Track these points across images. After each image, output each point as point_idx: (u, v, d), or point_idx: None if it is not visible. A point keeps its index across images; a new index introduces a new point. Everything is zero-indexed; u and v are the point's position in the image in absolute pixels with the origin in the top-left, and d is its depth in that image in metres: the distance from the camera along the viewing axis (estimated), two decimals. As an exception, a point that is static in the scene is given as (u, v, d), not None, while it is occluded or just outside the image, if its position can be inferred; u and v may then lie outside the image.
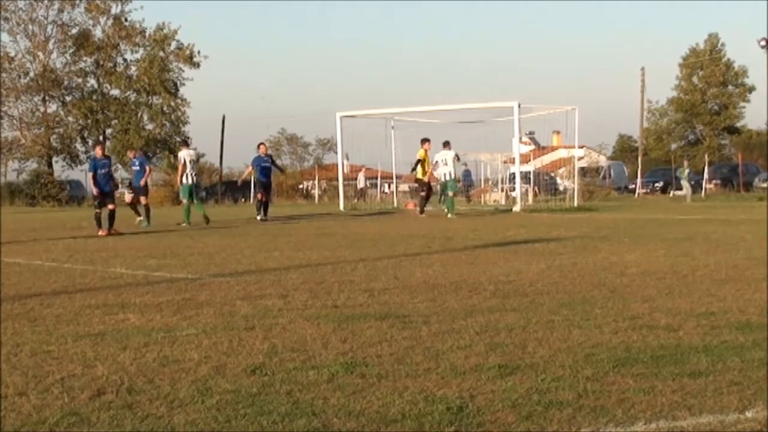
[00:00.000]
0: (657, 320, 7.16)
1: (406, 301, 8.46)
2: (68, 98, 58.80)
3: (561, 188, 40.61)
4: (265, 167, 25.29)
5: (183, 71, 59.18)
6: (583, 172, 43.60)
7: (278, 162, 30.40)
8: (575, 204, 32.81)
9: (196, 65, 58.76)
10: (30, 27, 57.33)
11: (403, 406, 4.78)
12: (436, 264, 11.89)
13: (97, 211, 20.01)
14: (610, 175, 53.47)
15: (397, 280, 10.11)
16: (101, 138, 55.80)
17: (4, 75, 56.07)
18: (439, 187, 28.29)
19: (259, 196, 26.21)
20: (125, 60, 59.42)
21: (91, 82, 59.40)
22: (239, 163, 58.83)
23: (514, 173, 35.46)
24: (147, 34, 58.42)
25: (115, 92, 59.44)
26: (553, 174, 46.59)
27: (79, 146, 59.13)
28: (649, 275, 10.16)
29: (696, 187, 48.87)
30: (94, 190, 20.10)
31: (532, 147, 48.59)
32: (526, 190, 36.91)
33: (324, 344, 6.41)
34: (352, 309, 8.00)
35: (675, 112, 74.21)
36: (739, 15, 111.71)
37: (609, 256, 12.51)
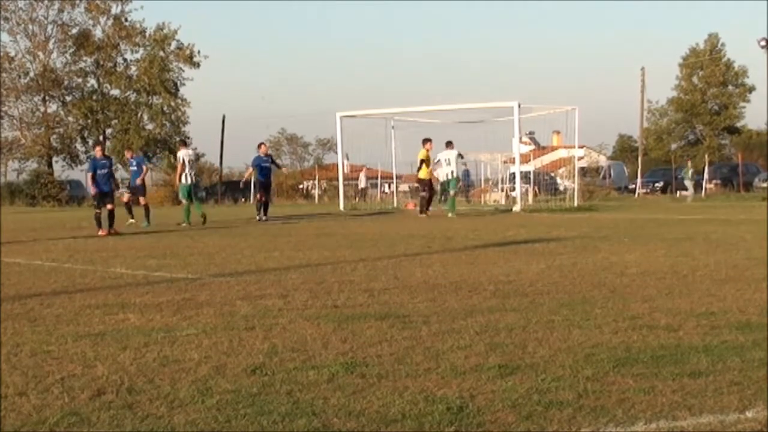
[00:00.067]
0: (657, 320, 7.16)
1: (406, 301, 8.46)
2: (68, 98, 58.82)
3: (561, 188, 40.59)
4: (265, 167, 25.29)
5: (183, 71, 59.26)
6: (583, 172, 43.58)
7: (278, 161, 30.36)
8: (575, 204, 32.81)
9: (196, 65, 58.80)
10: (30, 27, 57.38)
11: (403, 406, 4.78)
12: (436, 264, 11.89)
13: (97, 211, 20.03)
14: (610, 175, 53.45)
15: (397, 280, 10.11)
16: (101, 138, 55.82)
17: (4, 75, 56.08)
18: (440, 186, 28.34)
19: (258, 196, 26.21)
20: (125, 60, 59.50)
21: (91, 82, 59.47)
22: (239, 163, 59.00)
23: (514, 173, 35.46)
24: (147, 34, 58.43)
25: (115, 92, 59.49)
26: (553, 174, 46.58)
27: (79, 146, 59.18)
28: (649, 275, 10.16)
29: (696, 187, 48.89)
30: (92, 190, 20.18)
31: (532, 147, 48.59)
32: (526, 190, 36.91)
33: (324, 344, 6.41)
34: (352, 309, 8.00)
35: (675, 112, 74.20)
36: (739, 15, 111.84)
37: (609, 256, 12.51)
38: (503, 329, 6.87)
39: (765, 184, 50.06)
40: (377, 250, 14.31)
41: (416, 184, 30.86)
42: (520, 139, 32.78)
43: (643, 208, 32.28)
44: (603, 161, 58.36)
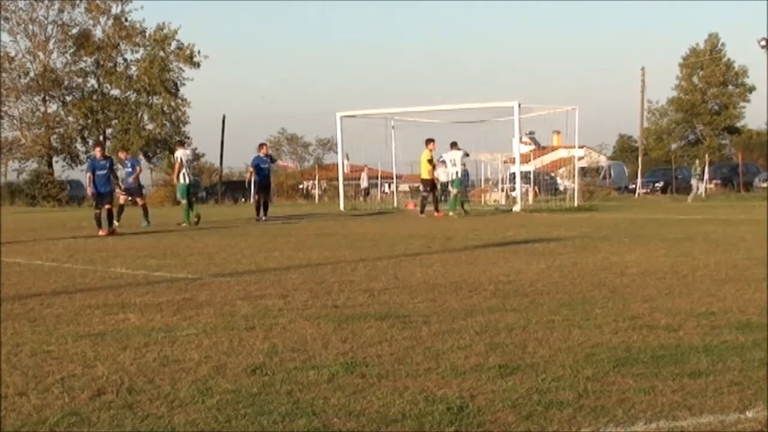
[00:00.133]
0: (657, 320, 7.16)
1: (406, 301, 8.46)
2: (68, 98, 58.81)
3: (561, 188, 40.60)
4: (264, 168, 25.31)
5: (183, 71, 59.27)
6: (583, 172, 43.58)
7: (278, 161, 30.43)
8: (575, 204, 32.81)
9: (196, 65, 58.80)
10: (30, 27, 57.38)
11: (403, 406, 4.79)
12: (436, 264, 11.89)
13: (97, 211, 20.03)
14: (610, 175, 53.42)
15: (397, 280, 10.11)
16: (101, 138, 55.81)
17: (4, 75, 56.08)
18: (440, 186, 28.40)
19: (256, 197, 26.22)
20: (125, 60, 59.50)
21: (92, 82, 59.47)
22: (239, 163, 59.06)
23: (514, 173, 35.48)
24: (147, 34, 58.44)
25: (116, 92, 59.48)
26: (553, 174, 46.59)
27: (79, 146, 59.17)
28: (649, 275, 10.16)
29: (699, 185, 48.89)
30: (89, 190, 20.24)
31: (532, 147, 48.57)
32: (526, 190, 36.91)
33: (324, 344, 6.41)
34: (353, 309, 8.00)
35: (675, 112, 74.19)
36: (739, 15, 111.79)
37: (609, 256, 12.51)
38: (503, 329, 6.87)
39: (765, 184, 50.06)
40: (377, 250, 14.31)
41: (416, 184, 30.85)
42: (520, 139, 32.79)
43: (643, 208, 32.28)
44: (603, 161, 58.35)
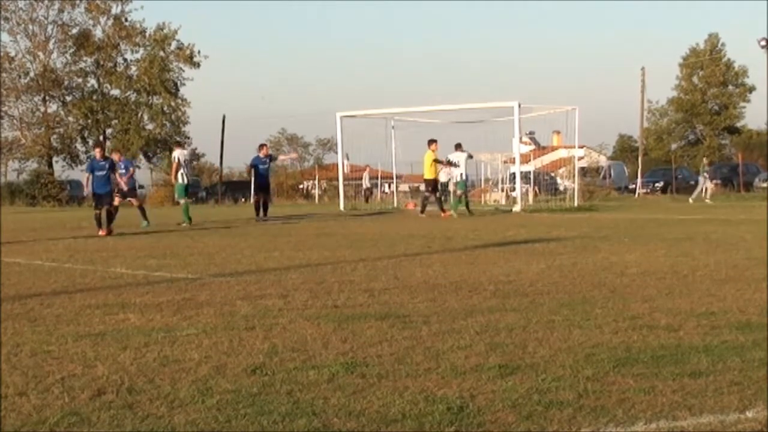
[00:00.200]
0: (657, 320, 7.16)
1: (406, 301, 8.46)
2: (68, 98, 58.83)
3: (561, 188, 40.60)
4: (263, 168, 25.32)
5: (183, 71, 59.29)
6: (584, 172, 43.56)
7: (276, 159, 30.28)
8: (575, 204, 32.82)
9: (196, 65, 58.82)
10: (30, 27, 57.39)
11: (403, 406, 4.79)
12: (436, 264, 11.89)
13: (97, 211, 20.04)
14: (610, 175, 53.42)
15: (397, 280, 10.11)
16: (101, 138, 55.82)
17: (4, 75, 56.09)
18: (446, 186, 28.44)
19: (255, 197, 26.22)
20: (125, 60, 59.52)
21: (92, 82, 59.48)
22: (239, 163, 59.03)
23: (514, 173, 35.48)
24: (147, 34, 58.45)
25: (116, 92, 59.50)
26: (553, 174, 46.59)
27: (79, 146, 59.18)
28: (649, 275, 10.16)
29: (696, 187, 48.83)
30: (86, 191, 20.28)
31: (533, 147, 48.60)
32: (527, 190, 36.92)
33: (324, 344, 6.41)
34: (353, 309, 8.00)
35: (675, 112, 74.20)
36: (739, 15, 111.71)
37: (609, 256, 12.51)
38: (503, 329, 6.87)
39: (765, 184, 50.06)
40: (377, 250, 14.31)
41: (417, 184, 30.86)
42: (520, 139, 32.80)
43: (643, 208, 32.29)
44: (603, 161, 58.33)
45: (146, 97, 59.04)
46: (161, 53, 58.26)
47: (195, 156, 62.77)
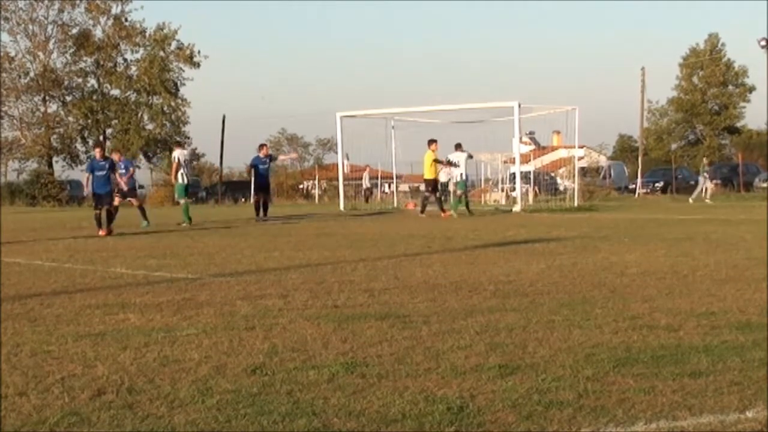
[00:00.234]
0: (657, 320, 7.16)
1: (406, 301, 8.46)
2: (68, 98, 58.83)
3: (561, 188, 40.60)
4: (263, 169, 25.32)
5: (183, 71, 59.29)
6: (583, 172, 43.56)
7: (276, 160, 30.24)
8: (575, 204, 32.82)
9: (196, 65, 58.81)
10: (30, 27, 57.39)
11: (403, 406, 4.79)
12: (436, 264, 11.89)
13: (97, 211, 20.04)
14: (610, 175, 53.42)
15: (398, 280, 10.11)
16: (101, 138, 55.81)
17: (4, 75, 56.08)
18: (446, 186, 28.45)
19: (255, 197, 26.22)
20: (125, 60, 59.52)
21: (92, 82, 59.48)
22: (239, 163, 59.04)
23: (514, 173, 35.48)
24: (147, 34, 58.45)
25: (116, 92, 59.50)
26: (553, 174, 46.59)
27: (79, 146, 59.18)
28: (649, 275, 10.16)
29: (696, 187, 48.81)
30: (86, 191, 20.30)
31: (533, 147, 48.61)
32: (527, 190, 36.91)
33: (324, 344, 6.41)
34: (353, 309, 8.00)
35: (675, 112, 74.21)
36: (739, 15, 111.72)
37: (609, 256, 12.51)
38: (503, 329, 6.87)
39: (765, 184, 50.06)
40: (377, 250, 14.31)
41: (417, 184, 30.85)
42: (520, 139, 32.80)
43: (643, 208, 32.29)
44: (603, 161, 58.33)
45: (146, 97, 59.04)
46: (161, 53, 58.26)
47: (195, 156, 62.79)
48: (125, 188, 23.00)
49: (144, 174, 59.92)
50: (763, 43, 45.84)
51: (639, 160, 58.73)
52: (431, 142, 26.90)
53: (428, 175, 26.63)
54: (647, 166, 59.31)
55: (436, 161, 26.58)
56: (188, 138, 59.48)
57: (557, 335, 6.59)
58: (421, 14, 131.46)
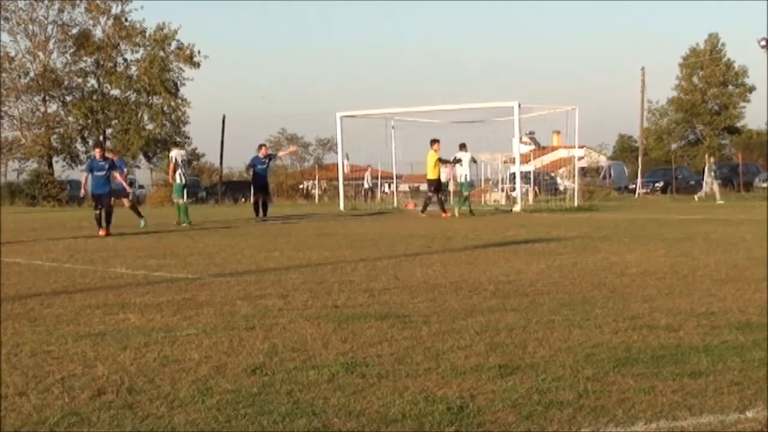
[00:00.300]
0: (657, 320, 7.16)
1: (406, 301, 8.46)
2: (68, 98, 58.82)
3: (561, 188, 40.61)
4: (262, 169, 25.32)
5: (183, 71, 59.27)
6: (583, 172, 43.57)
7: (275, 158, 30.23)
8: (575, 204, 32.82)
9: (196, 65, 58.81)
10: (30, 27, 57.37)
11: (403, 406, 4.79)
12: (437, 264, 11.89)
13: (96, 211, 20.04)
14: (610, 175, 53.43)
15: (398, 280, 10.11)
16: (101, 138, 55.80)
17: (4, 75, 56.08)
18: (450, 187, 28.47)
19: (254, 197, 26.24)
20: (125, 60, 59.51)
21: (92, 82, 59.47)
22: (239, 163, 58.93)
23: (514, 173, 35.49)
24: (147, 34, 58.45)
25: (116, 92, 59.49)
26: (553, 174, 46.60)
27: (79, 146, 59.17)
28: (649, 275, 10.16)
29: (696, 187, 48.85)
30: (82, 191, 20.31)
31: (533, 147, 48.61)
32: (527, 190, 36.92)
33: (324, 344, 6.41)
34: (353, 309, 8.00)
35: (675, 112, 74.22)
36: (739, 15, 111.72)
37: (609, 256, 12.51)
38: (503, 329, 6.87)
39: (765, 184, 50.07)
40: (377, 250, 14.31)
41: (417, 185, 30.84)
42: (520, 139, 32.81)
43: (643, 208, 32.29)
44: (603, 161, 58.36)
45: (146, 97, 59.03)
46: (161, 53, 58.25)
47: (195, 156, 62.83)
48: (128, 189, 23.08)
49: (144, 174, 60.06)
50: (763, 43, 45.86)
51: (639, 160, 58.75)
52: (434, 141, 26.86)
53: (431, 175, 26.59)
54: (647, 166, 59.33)
55: (440, 161, 26.55)
56: (188, 138, 59.61)
57: (557, 335, 6.59)
58: (421, 14, 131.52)
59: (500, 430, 4.40)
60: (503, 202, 37.41)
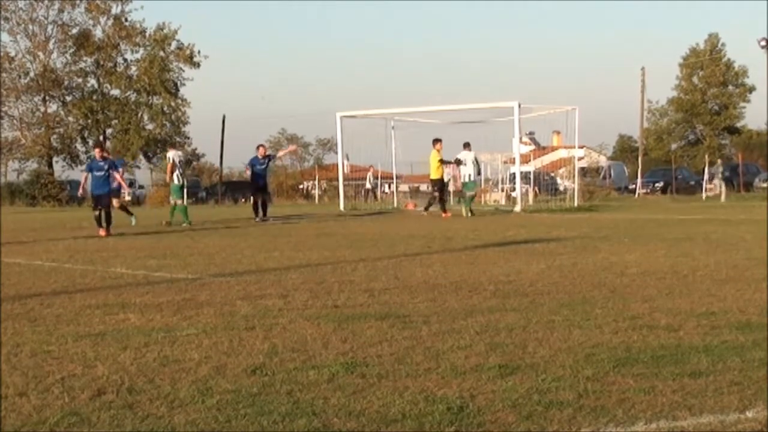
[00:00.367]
0: (657, 320, 7.17)
1: (406, 301, 8.46)
2: (68, 98, 58.80)
3: (561, 188, 40.60)
4: (260, 169, 25.32)
5: (183, 71, 59.24)
6: (584, 172, 43.56)
7: (275, 159, 30.23)
8: (575, 204, 32.82)
9: (197, 65, 58.79)
10: (30, 27, 57.34)
11: (403, 406, 4.79)
12: (437, 264, 11.89)
13: (96, 211, 20.04)
14: (610, 176, 53.43)
15: (398, 280, 10.11)
16: (101, 138, 55.79)
17: (4, 75, 56.07)
18: (450, 187, 28.49)
19: (253, 197, 26.24)
20: (125, 60, 59.48)
21: (92, 82, 59.44)
22: (239, 163, 58.90)
23: (514, 173, 35.48)
24: (147, 34, 58.44)
25: (116, 92, 59.48)
26: (553, 174, 46.59)
27: (79, 146, 59.14)
28: (649, 275, 10.16)
29: (697, 187, 48.91)
30: (80, 191, 20.34)
31: (533, 147, 48.60)
32: (527, 191, 36.91)
33: (324, 344, 6.41)
34: (353, 309, 8.00)
35: (675, 112, 74.23)
36: (739, 15, 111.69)
37: (609, 257, 12.51)
38: (503, 329, 6.87)
39: (765, 184, 50.09)
40: (377, 250, 14.31)
41: (416, 185, 30.85)
42: (520, 139, 32.80)
43: (643, 209, 32.29)
44: (603, 161, 58.35)
45: (146, 97, 59.02)
46: (161, 53, 58.24)
47: (195, 156, 62.82)
48: (127, 189, 23.08)
49: (144, 174, 60.04)
50: (763, 43, 45.87)
51: (639, 160, 58.78)
52: (436, 141, 26.83)
53: (434, 175, 26.56)
54: (647, 166, 59.35)
55: (442, 162, 26.51)
56: (188, 138, 59.60)
57: (557, 335, 6.59)
58: (421, 14, 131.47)
59: (500, 430, 4.40)
60: (503, 202, 37.40)
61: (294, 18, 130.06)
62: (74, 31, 58.10)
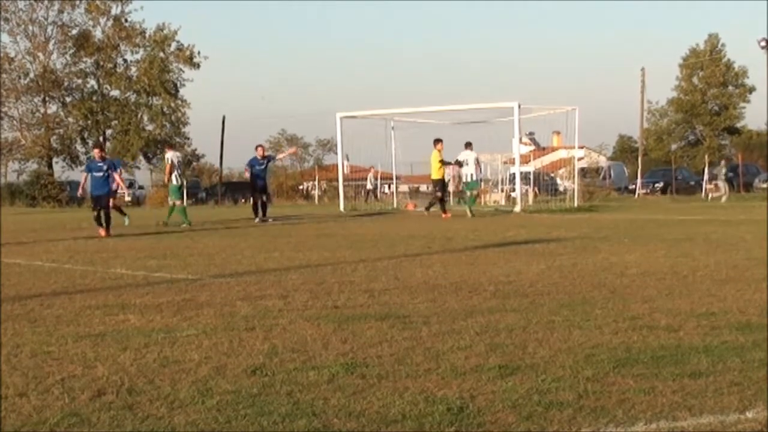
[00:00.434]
0: (657, 321, 7.17)
1: (406, 301, 8.46)
2: (68, 99, 58.77)
3: (561, 189, 40.59)
4: (259, 169, 25.31)
5: (183, 72, 59.20)
6: (583, 172, 43.56)
7: (275, 160, 30.18)
8: (575, 204, 32.81)
9: (196, 66, 58.76)
10: (30, 28, 57.30)
11: (403, 406, 4.79)
12: (437, 264, 11.89)
13: (95, 212, 20.04)
14: (610, 176, 53.41)
15: (398, 280, 10.11)
16: (101, 139, 55.81)
17: (4, 76, 56.06)
18: (461, 187, 28.51)
19: (253, 198, 26.23)
20: (125, 61, 59.45)
21: (91, 82, 59.42)
22: (239, 163, 58.85)
23: (514, 174, 35.47)
24: (147, 35, 58.42)
25: (115, 93, 59.47)
26: (553, 174, 46.57)
27: (79, 147, 59.10)
28: (649, 276, 10.16)
29: (697, 187, 48.91)
30: (80, 191, 20.37)
31: (532, 147, 48.58)
32: (526, 191, 36.91)
33: (324, 345, 6.41)
34: (353, 310, 8.00)
35: (675, 112, 74.23)
36: (739, 15, 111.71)
37: (609, 257, 12.51)
38: (503, 330, 6.87)
39: (765, 185, 50.09)
40: (377, 251, 14.32)
41: (416, 185, 30.84)
42: (520, 139, 32.79)
43: (643, 209, 32.29)
44: (603, 162, 58.31)
45: (146, 98, 59.01)
46: (161, 54, 58.24)
47: (195, 157, 62.79)
48: (126, 190, 23.07)
49: (144, 175, 60.04)
50: (763, 43, 45.91)
51: (639, 160, 58.78)
52: (437, 141, 26.81)
53: (435, 175, 26.54)
54: (647, 167, 59.35)
55: (443, 162, 26.50)
56: (188, 138, 59.58)
57: (557, 336, 6.59)
58: (421, 14, 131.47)
59: (500, 431, 4.40)
60: (503, 202, 37.38)
61: (294, 18, 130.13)
62: (74, 31, 58.09)
